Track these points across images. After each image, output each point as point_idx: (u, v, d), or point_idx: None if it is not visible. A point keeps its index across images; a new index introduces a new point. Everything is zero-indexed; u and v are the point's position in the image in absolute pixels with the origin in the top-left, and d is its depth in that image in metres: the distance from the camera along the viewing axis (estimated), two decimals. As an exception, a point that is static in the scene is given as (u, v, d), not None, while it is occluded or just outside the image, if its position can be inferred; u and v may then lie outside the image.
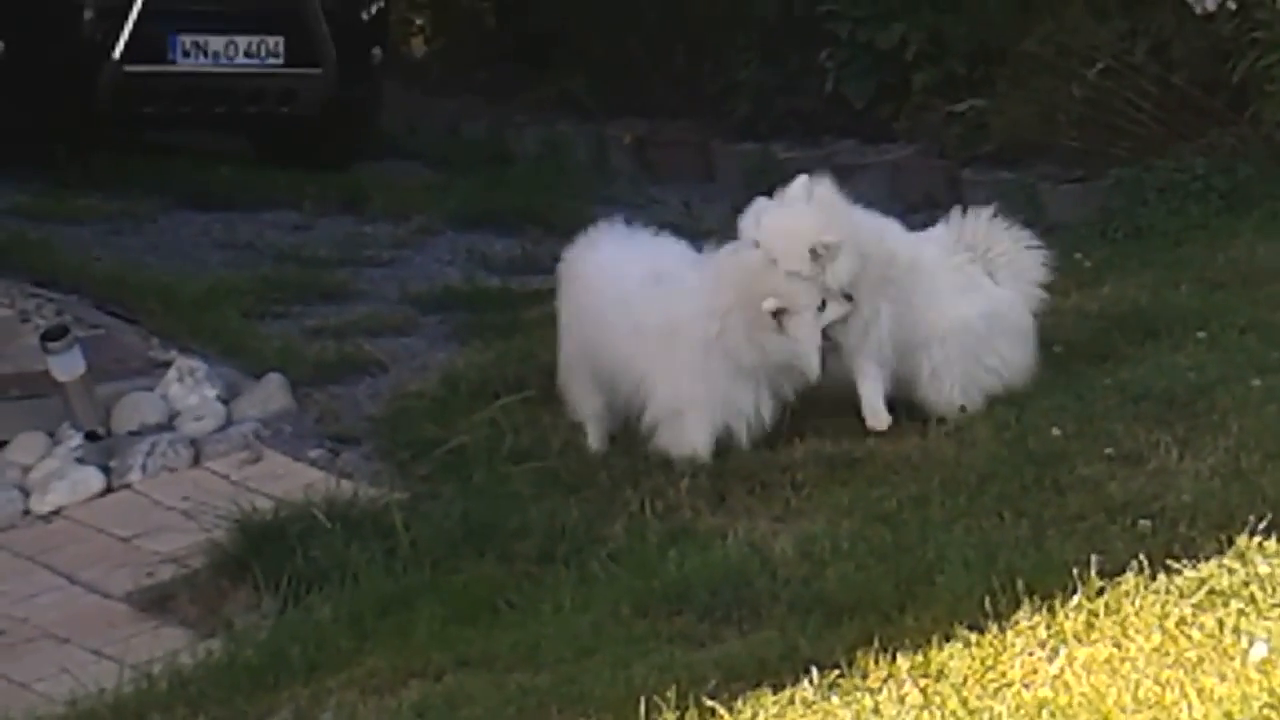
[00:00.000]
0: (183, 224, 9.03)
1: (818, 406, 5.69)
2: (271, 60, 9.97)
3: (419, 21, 13.52)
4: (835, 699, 3.92)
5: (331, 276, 8.00)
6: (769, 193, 9.94)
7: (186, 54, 9.76)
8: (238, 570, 5.14)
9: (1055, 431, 5.46)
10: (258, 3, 10.03)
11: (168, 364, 6.46)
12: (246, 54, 9.89)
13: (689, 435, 5.51)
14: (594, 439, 5.71)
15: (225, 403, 6.27)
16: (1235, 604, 4.16)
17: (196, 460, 5.94)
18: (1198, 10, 8.48)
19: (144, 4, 9.49)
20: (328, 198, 9.54)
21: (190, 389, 6.29)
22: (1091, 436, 5.40)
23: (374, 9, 10.68)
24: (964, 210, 6.02)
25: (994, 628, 4.15)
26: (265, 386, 6.34)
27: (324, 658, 4.55)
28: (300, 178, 9.77)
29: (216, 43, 9.81)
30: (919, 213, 9.56)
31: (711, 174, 10.79)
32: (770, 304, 5.42)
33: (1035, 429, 5.50)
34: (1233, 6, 8.37)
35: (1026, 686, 3.91)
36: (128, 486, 5.83)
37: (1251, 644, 3.94)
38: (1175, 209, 8.26)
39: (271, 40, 9.95)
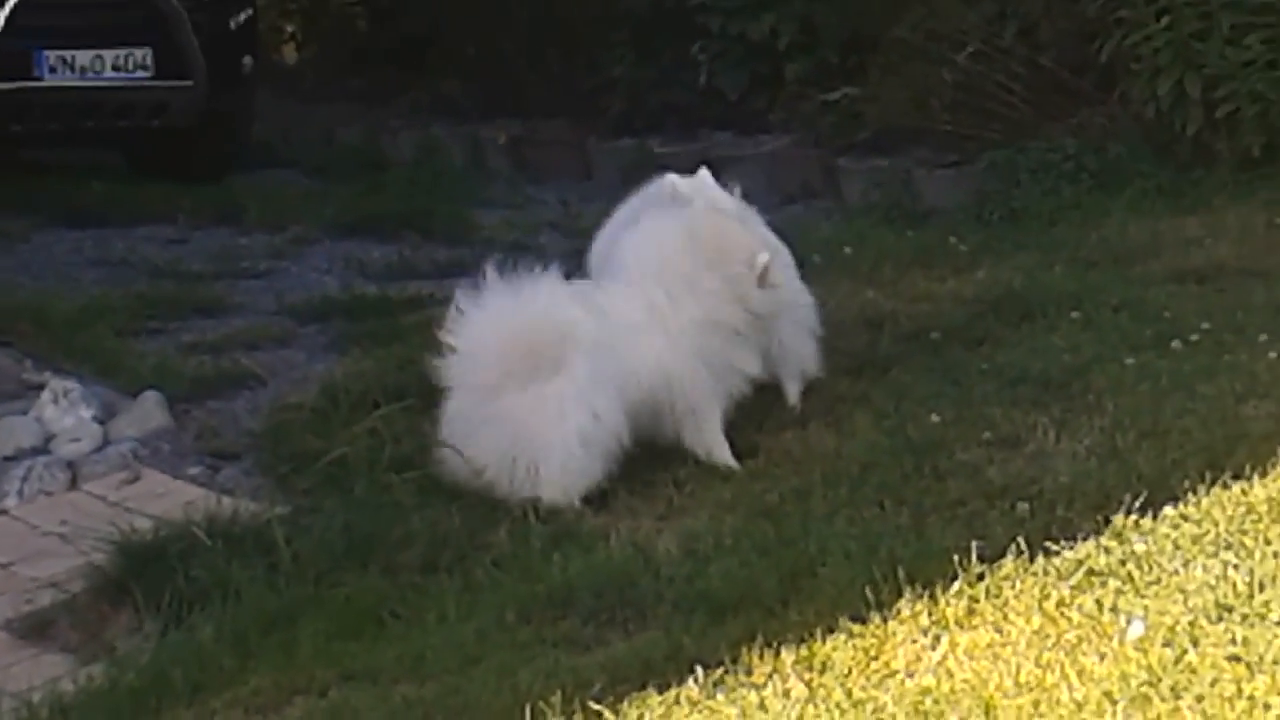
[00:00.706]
0: (55, 242, 8.94)
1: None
2: (140, 73, 9.88)
3: (290, 29, 13.47)
4: (721, 697, 3.91)
5: (207, 290, 7.93)
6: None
7: (53, 70, 9.66)
8: (118, 593, 5.06)
9: (934, 418, 5.49)
10: (124, 15, 9.91)
11: (42, 386, 6.37)
12: (114, 68, 9.80)
13: (717, 443, 5.48)
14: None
15: (102, 423, 6.18)
16: (1113, 583, 4.19)
17: (74, 483, 5.85)
18: (1063, -8, 8.57)
19: (7, 21, 9.38)
20: (202, 210, 9.47)
21: (65, 410, 6.20)
22: (970, 421, 5.44)
23: (243, 17, 10.61)
24: None
25: (876, 618, 4.15)
26: (142, 405, 6.26)
27: (207, 678, 4.49)
28: (174, 191, 9.71)
29: (83, 57, 9.71)
30: (796, 203, 9.66)
31: (589, 172, 10.80)
32: (764, 257, 5.43)
33: (914, 416, 5.53)
34: (1096, -12, 8.47)
35: (910, 675, 3.91)
36: (4, 512, 5.72)
37: (1129, 623, 3.97)
38: (1048, 190, 8.36)
39: (139, 53, 9.86)
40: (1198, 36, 8.21)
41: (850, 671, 3.96)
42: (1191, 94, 8.20)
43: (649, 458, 5.47)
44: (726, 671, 3.99)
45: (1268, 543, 4.34)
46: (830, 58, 9.99)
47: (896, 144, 9.48)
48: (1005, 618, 4.10)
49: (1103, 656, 3.86)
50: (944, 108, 9.20)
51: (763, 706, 3.86)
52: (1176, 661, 3.79)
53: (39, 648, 5.00)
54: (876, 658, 4.00)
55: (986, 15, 9.21)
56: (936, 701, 3.77)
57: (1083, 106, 8.83)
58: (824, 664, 4.00)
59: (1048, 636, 3.99)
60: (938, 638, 4.05)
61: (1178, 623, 3.95)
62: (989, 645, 3.99)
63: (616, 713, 3.90)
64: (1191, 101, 8.22)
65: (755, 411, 5.73)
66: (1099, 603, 4.10)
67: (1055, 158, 8.49)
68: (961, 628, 4.08)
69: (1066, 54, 8.98)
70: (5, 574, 5.36)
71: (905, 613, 4.16)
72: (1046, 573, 4.29)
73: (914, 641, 4.05)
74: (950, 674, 3.88)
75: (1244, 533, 4.41)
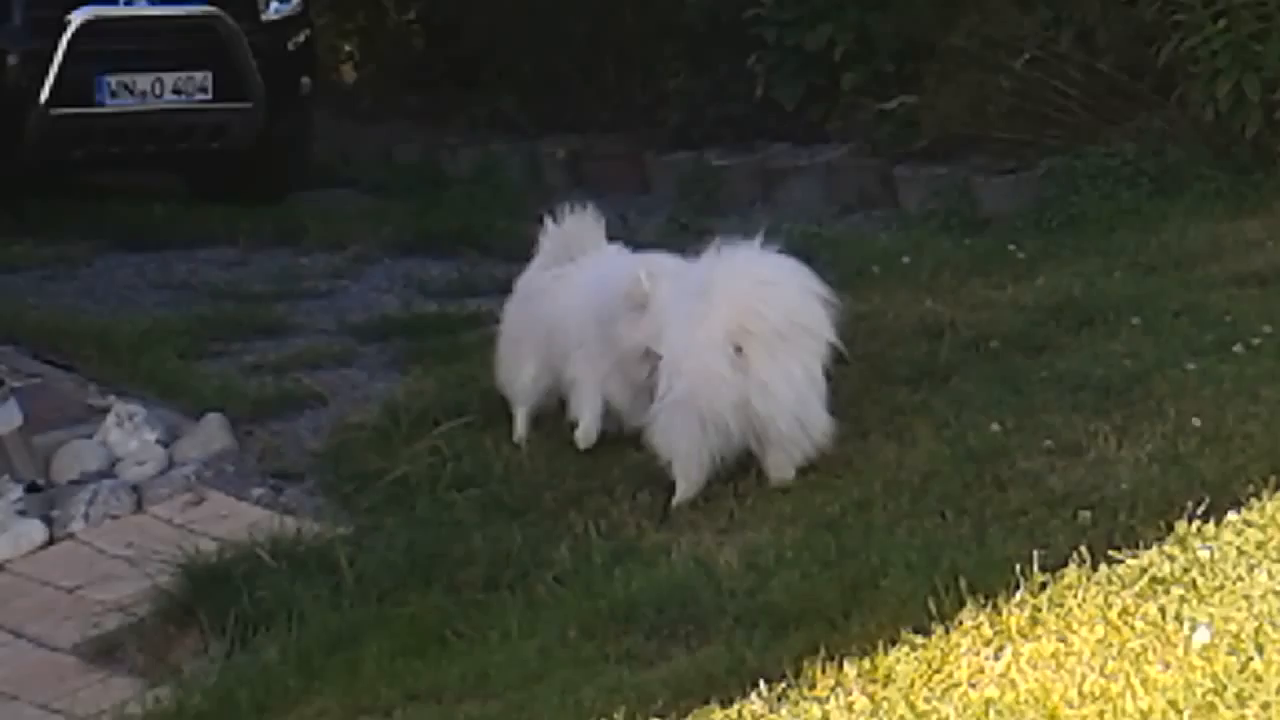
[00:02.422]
0: (117, 266, 8.98)
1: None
2: (200, 96, 9.94)
3: (348, 48, 13.53)
4: (784, 710, 3.91)
5: (269, 311, 7.96)
6: (705, 200, 10.02)
7: (114, 94, 9.72)
8: (184, 615, 5.10)
9: (994, 426, 5.47)
10: (183, 39, 9.97)
11: (106, 410, 6.41)
12: (174, 91, 9.86)
13: None
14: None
15: (166, 446, 6.22)
16: (1177, 591, 4.17)
17: (139, 506, 5.89)
18: (1118, -4, 8.53)
19: (69, 47, 9.45)
20: (263, 231, 9.52)
21: (130, 434, 6.25)
22: (1031, 429, 5.42)
23: (301, 38, 10.65)
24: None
25: (939, 629, 4.14)
26: (205, 427, 6.29)
27: (272, 700, 4.52)
28: (234, 212, 9.75)
29: (143, 81, 9.77)
30: (855, 212, 9.65)
31: (647, 185, 10.80)
32: None
33: (975, 425, 5.51)
34: (1153, -10, 8.43)
35: (973, 686, 3.90)
36: (71, 536, 5.77)
37: (1194, 630, 3.95)
38: (1107, 195, 8.32)
39: (199, 76, 9.92)
40: (1256, 38, 8.16)
41: (913, 683, 3.95)
42: (1250, 96, 8.15)
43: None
44: (789, 685, 3.99)
45: (1332, 547, 4.32)
46: (886, 67, 9.97)
47: (954, 152, 9.45)
48: (1069, 627, 4.08)
49: (1167, 665, 3.84)
50: (1001, 114, 9.17)
51: (826, 720, 3.86)
52: (1242, 669, 3.77)
53: (107, 671, 5.04)
54: (939, 669, 3.99)
55: (1042, 21, 9.17)
56: (1000, 713, 3.76)
57: (1141, 110, 8.78)
58: (887, 676, 3.99)
59: (1111, 645, 3.97)
60: (1001, 648, 4.04)
61: (1243, 629, 3.93)
62: (1052, 655, 3.97)
63: (679, 728, 3.91)
64: (1251, 103, 8.17)
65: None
66: (1163, 610, 4.08)
67: (1114, 163, 8.45)
68: (1025, 638, 4.07)
69: (1124, 58, 8.93)
70: (73, 598, 5.40)
71: (968, 623, 4.15)
72: (1110, 581, 4.27)
73: (977, 652, 4.04)
74: (1014, 685, 3.87)
75: (1309, 537, 4.39)
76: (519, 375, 6.02)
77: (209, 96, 9.95)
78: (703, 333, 5.25)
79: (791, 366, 5.26)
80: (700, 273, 5.42)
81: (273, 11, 10.35)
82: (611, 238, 6.23)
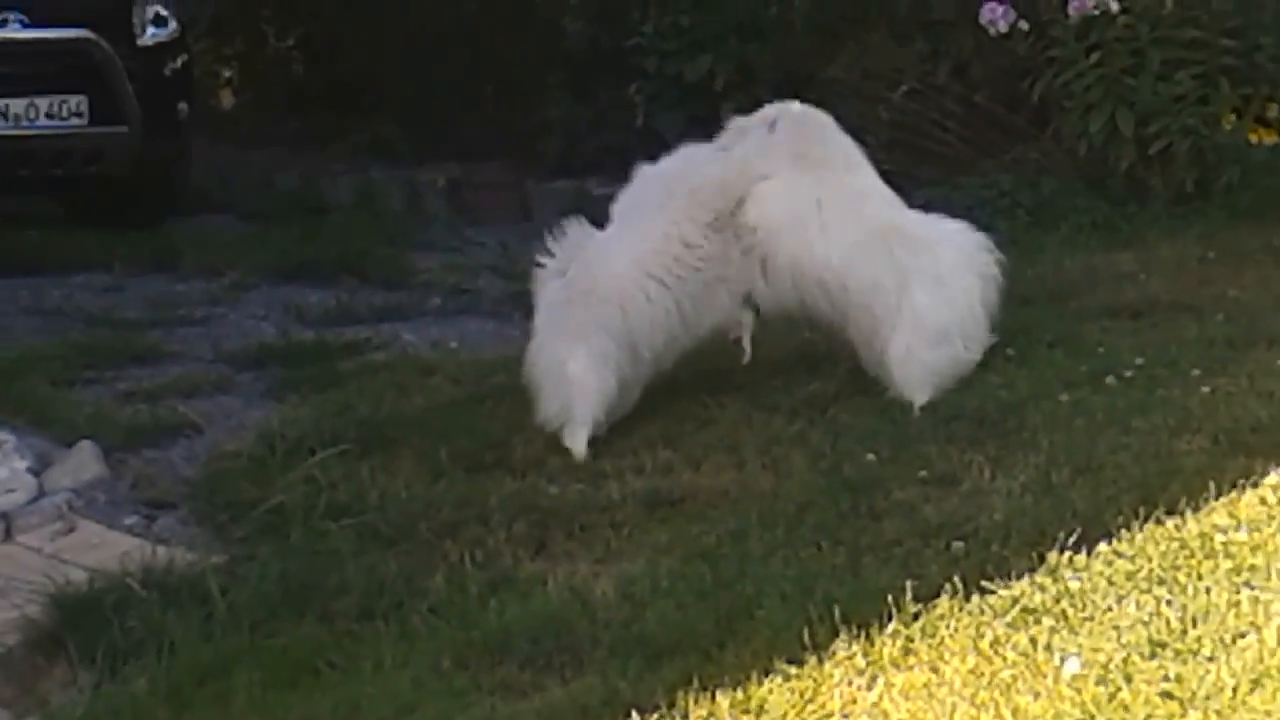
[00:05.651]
0: (-10, 291, 8.88)
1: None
2: (75, 120, 9.84)
3: (226, 74, 13.44)
4: (657, 742, 3.92)
5: (143, 338, 7.88)
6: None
7: (-13, 119, 9.62)
8: (52, 646, 5.02)
9: (870, 457, 5.50)
10: (58, 63, 9.87)
11: (-25, 438, 6.33)
12: (48, 115, 9.76)
13: None
14: None
15: (36, 474, 6.13)
16: (1047, 621, 4.22)
17: (8, 534, 5.80)
18: (992, 31, 8.60)
19: (-60, 73, 9.36)
20: (139, 257, 9.43)
21: (-1, 462, 6.17)
22: (906, 460, 5.45)
23: (178, 63, 10.57)
24: None
25: (813, 659, 4.16)
26: (77, 455, 6.21)
27: (142, 731, 4.47)
28: (110, 238, 9.66)
29: (17, 105, 9.67)
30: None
31: (528, 213, 10.78)
32: None
33: (850, 455, 5.54)
34: (1025, 27, 8.50)
35: (846, 717, 3.92)
36: (-62, 566, 5.69)
37: (1064, 660, 3.99)
38: (984, 226, 8.29)
39: (74, 100, 9.82)
40: (1129, 73, 8.27)
41: (786, 714, 3.96)
42: (1124, 130, 8.26)
43: (586, 499, 5.47)
44: (663, 716, 4.00)
45: (1200, 578, 4.37)
46: (766, 97, 9.98)
47: (834, 182, 9.48)
48: (940, 657, 4.11)
49: (1037, 695, 3.87)
50: (879, 145, 9.19)
51: (699, 751, 3.86)
52: (1110, 699, 3.81)
53: (-28, 702, 4.96)
54: (812, 700, 4.00)
55: (920, 54, 9.27)
56: (873, 743, 3.78)
57: (1017, 143, 8.88)
58: (760, 707, 4.00)
59: (983, 675, 4.00)
60: (873, 678, 4.05)
61: (1111, 660, 3.97)
62: (924, 685, 3.99)
63: (552, 760, 3.90)
64: (1124, 137, 8.27)
65: (693, 453, 5.74)
66: (1034, 640, 4.12)
67: (990, 194, 8.52)
68: (897, 668, 4.09)
69: (1000, 91, 9.04)
70: (-61, 628, 5.31)
71: (841, 654, 4.17)
72: (982, 611, 4.30)
73: (850, 683, 4.05)
74: (886, 715, 3.89)
75: (1177, 568, 4.44)
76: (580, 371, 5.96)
77: (84, 121, 9.85)
78: None
79: None
80: None
81: (149, 36, 10.27)
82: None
